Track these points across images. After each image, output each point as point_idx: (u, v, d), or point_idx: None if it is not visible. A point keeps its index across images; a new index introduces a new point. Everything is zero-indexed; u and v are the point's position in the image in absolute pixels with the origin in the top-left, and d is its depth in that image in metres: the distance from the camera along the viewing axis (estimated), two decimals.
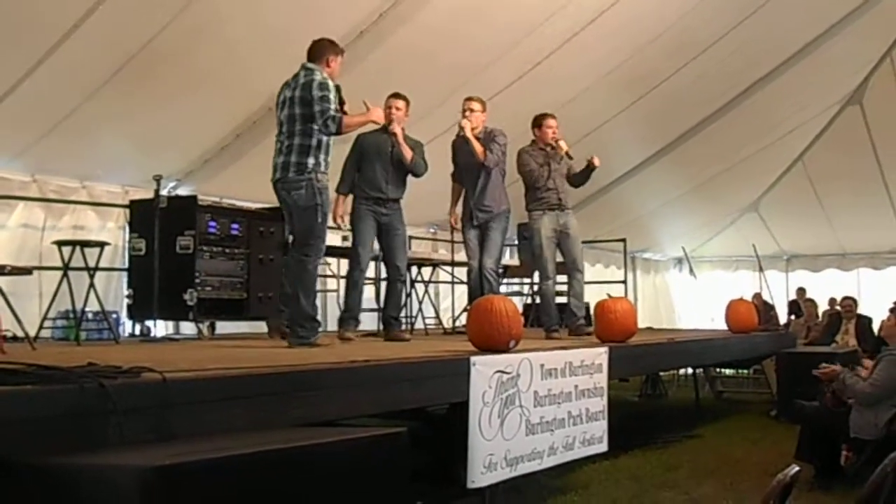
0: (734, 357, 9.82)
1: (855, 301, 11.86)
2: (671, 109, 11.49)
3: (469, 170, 7.33)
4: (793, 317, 14.06)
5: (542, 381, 5.12)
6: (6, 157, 7.38)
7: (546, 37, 8.79)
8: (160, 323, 7.73)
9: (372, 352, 4.93)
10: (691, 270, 15.31)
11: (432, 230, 11.93)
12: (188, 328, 7.99)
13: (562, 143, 7.63)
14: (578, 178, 7.81)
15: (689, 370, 11.47)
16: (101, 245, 6.46)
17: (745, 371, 11.93)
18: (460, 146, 7.35)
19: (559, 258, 7.81)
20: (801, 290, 15.56)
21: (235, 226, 7.62)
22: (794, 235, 16.96)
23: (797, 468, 5.81)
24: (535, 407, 5.03)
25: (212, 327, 7.67)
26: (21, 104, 6.75)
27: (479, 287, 7.17)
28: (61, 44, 6.42)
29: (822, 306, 14.46)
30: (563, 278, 7.95)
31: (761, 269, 12.84)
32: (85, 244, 6.41)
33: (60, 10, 6.24)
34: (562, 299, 8.04)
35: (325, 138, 5.61)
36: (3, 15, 6.03)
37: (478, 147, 7.15)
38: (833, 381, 6.28)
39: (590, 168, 7.68)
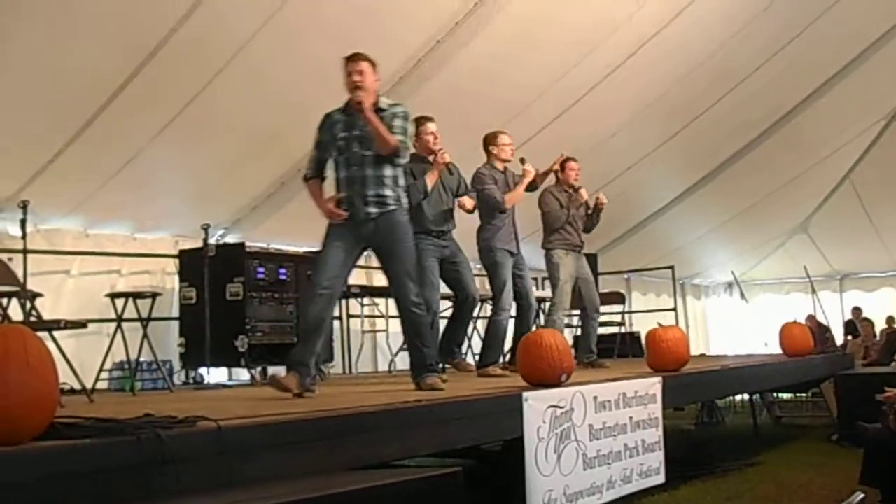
0: (791, 381, 9.63)
1: None
2: (714, 136, 11.44)
3: None
4: (849, 337, 13.80)
5: (596, 414, 5.07)
6: (62, 211, 7.56)
7: (586, 72, 8.84)
8: (213, 370, 7.80)
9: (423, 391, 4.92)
10: (742, 295, 15.13)
11: (478, 266, 11.93)
12: (241, 374, 8.05)
13: (583, 191, 7.95)
14: (591, 222, 8.17)
15: (746, 396, 11.28)
16: (154, 296, 6.56)
17: (804, 395, 11.71)
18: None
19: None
20: (857, 310, 15.29)
21: (283, 271, 7.69)
22: (845, 255, 16.68)
23: (862, 494, 5.69)
24: (590, 441, 4.98)
25: (264, 372, 7.72)
26: (74, 160, 6.93)
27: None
28: (111, 101, 6.62)
29: (879, 325, 14.18)
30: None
31: (814, 291, 12.67)
32: (137, 296, 6.51)
33: (109, 67, 6.42)
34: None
35: None
36: (57, 74, 6.22)
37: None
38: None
39: (598, 208, 8.07)
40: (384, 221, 5.02)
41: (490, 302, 7.40)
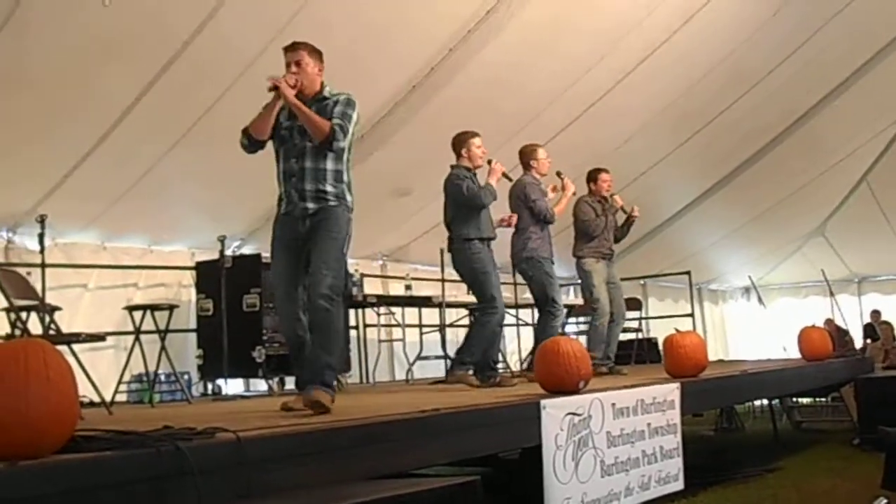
0: (810, 386, 9.58)
1: None
2: (728, 141, 11.42)
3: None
4: (869, 341, 13.69)
5: (614, 421, 5.06)
6: (79, 225, 7.62)
7: (598, 78, 8.84)
8: (231, 381, 7.82)
9: (440, 399, 4.92)
10: (760, 299, 15.05)
11: None
12: (259, 385, 8.07)
13: (617, 198, 8.07)
14: (622, 232, 8.29)
15: (765, 401, 11.22)
16: (171, 308, 6.59)
17: (823, 399, 11.63)
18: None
19: None
20: (875, 313, 15.17)
21: None
22: (863, 257, 16.58)
23: (885, 499, 5.64)
24: (608, 448, 4.96)
25: (281, 383, 7.73)
26: (90, 174, 6.99)
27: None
28: (126, 115, 6.68)
29: None
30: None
31: (832, 294, 12.58)
32: (155, 308, 6.55)
33: (124, 82, 6.47)
34: None
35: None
36: (71, 89, 6.27)
37: None
38: None
39: (630, 221, 8.20)
40: (321, 216, 4.61)
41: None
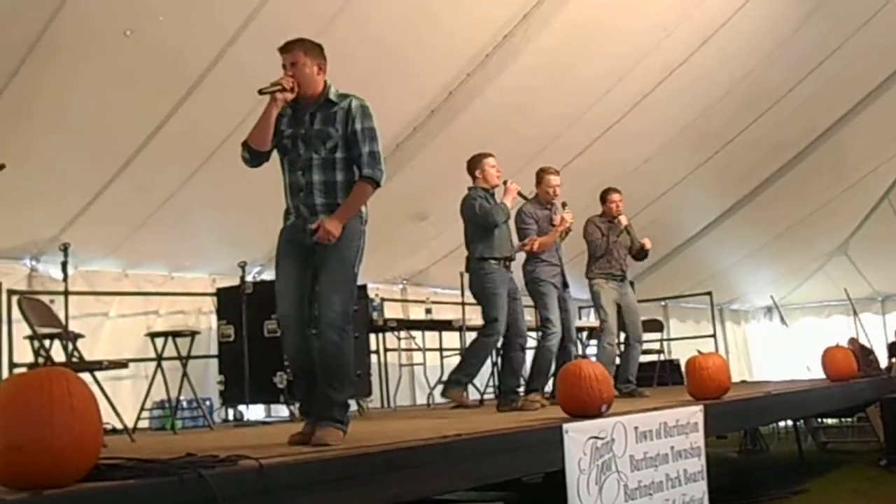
0: (835, 406, 9.49)
1: None
2: (748, 160, 11.38)
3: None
4: (894, 360, 13.54)
5: (637, 445, 5.02)
6: (101, 253, 7.68)
7: (616, 101, 8.86)
8: (252, 407, 7.82)
9: (462, 424, 4.90)
10: (782, 319, 14.93)
11: None
12: (280, 411, 8.07)
13: (622, 218, 8.07)
14: (639, 256, 8.31)
15: (790, 422, 11.12)
16: (192, 334, 6.62)
17: (849, 419, 11.50)
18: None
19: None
20: None
21: None
22: (887, 276, 16.38)
23: None
24: (632, 471, 4.92)
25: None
26: (112, 202, 7.06)
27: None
28: (147, 143, 6.75)
29: None
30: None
31: (856, 313, 12.46)
32: (176, 334, 6.58)
33: (145, 109, 6.54)
34: None
35: None
36: (93, 118, 6.35)
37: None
38: None
39: (644, 251, 8.22)
40: None
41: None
